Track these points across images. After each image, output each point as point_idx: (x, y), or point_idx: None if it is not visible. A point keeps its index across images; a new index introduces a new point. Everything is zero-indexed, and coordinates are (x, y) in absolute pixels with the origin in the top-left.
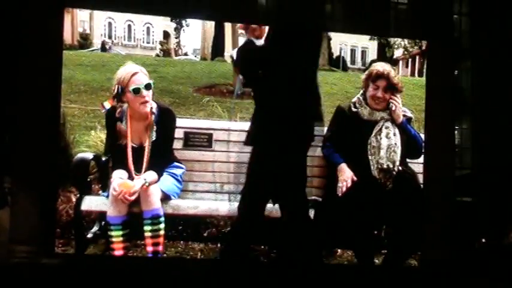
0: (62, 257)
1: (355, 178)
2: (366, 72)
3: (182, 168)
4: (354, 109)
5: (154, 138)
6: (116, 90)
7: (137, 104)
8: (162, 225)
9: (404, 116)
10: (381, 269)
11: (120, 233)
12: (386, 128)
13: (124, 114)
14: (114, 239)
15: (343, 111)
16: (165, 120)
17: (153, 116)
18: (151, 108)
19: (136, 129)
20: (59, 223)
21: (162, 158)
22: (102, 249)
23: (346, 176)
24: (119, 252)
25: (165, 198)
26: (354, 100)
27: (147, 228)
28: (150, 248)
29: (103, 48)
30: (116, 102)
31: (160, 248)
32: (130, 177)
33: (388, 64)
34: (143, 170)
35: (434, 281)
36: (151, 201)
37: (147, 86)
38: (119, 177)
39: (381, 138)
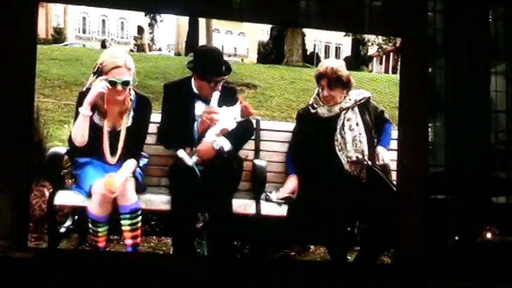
0: (35, 251)
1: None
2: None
3: (146, 158)
4: (312, 110)
5: (129, 124)
6: (95, 69)
7: (112, 92)
8: (139, 218)
9: (362, 99)
10: (353, 265)
11: (106, 227)
12: (348, 120)
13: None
14: (100, 234)
15: (303, 116)
16: (141, 107)
17: (131, 102)
18: (130, 95)
19: (111, 113)
20: (32, 217)
21: (137, 145)
22: (75, 243)
23: (287, 186)
24: (102, 245)
25: (138, 189)
26: (310, 102)
27: (125, 222)
28: (129, 241)
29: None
30: (95, 78)
31: (138, 240)
32: (105, 163)
33: (335, 60)
34: (117, 154)
35: (407, 279)
36: (128, 196)
37: (125, 83)
38: (97, 177)
39: (345, 133)
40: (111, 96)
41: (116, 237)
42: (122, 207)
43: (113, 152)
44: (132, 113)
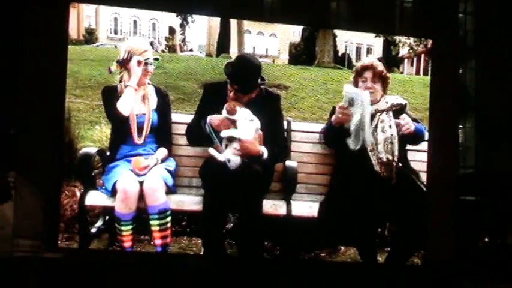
0: (66, 251)
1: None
2: (353, 71)
3: (174, 162)
4: (350, 107)
5: (153, 108)
6: (124, 56)
7: (142, 74)
8: (169, 219)
9: (398, 105)
10: (384, 266)
11: (130, 227)
12: (382, 121)
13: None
14: (124, 233)
15: None
16: (160, 95)
17: (149, 86)
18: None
19: (136, 98)
20: (63, 218)
21: (163, 131)
22: (106, 243)
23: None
24: (127, 244)
25: (168, 191)
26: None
27: (154, 222)
28: (158, 241)
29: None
30: (120, 67)
31: (168, 240)
32: (133, 144)
33: (372, 57)
34: (143, 135)
35: (437, 280)
36: (156, 197)
37: (156, 60)
38: (123, 175)
39: (377, 134)
40: (141, 81)
41: (146, 237)
42: (150, 208)
43: (140, 134)
44: (154, 98)
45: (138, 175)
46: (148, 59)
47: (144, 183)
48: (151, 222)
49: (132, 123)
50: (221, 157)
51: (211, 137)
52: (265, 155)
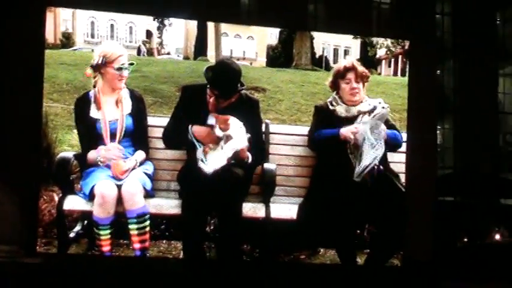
0: (44, 256)
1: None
2: (332, 73)
3: (152, 166)
4: (331, 107)
5: (127, 112)
6: (97, 61)
7: (116, 79)
8: (147, 223)
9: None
10: (363, 268)
11: (108, 231)
12: (364, 123)
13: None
14: (102, 238)
15: (321, 109)
16: (135, 99)
17: (123, 90)
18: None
19: (108, 104)
20: (41, 222)
21: (138, 135)
22: (85, 248)
23: (349, 129)
24: (106, 249)
25: (146, 194)
26: (329, 100)
27: (133, 226)
28: (137, 245)
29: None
30: (93, 71)
31: (147, 244)
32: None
33: (351, 57)
34: (117, 139)
35: (417, 281)
36: (135, 201)
37: (131, 65)
38: (101, 179)
39: None
40: (110, 86)
41: (125, 241)
42: (129, 212)
43: (112, 140)
44: (128, 102)
45: (119, 179)
46: (123, 64)
47: (122, 187)
48: (130, 226)
49: (104, 129)
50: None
51: (195, 144)
52: (250, 160)
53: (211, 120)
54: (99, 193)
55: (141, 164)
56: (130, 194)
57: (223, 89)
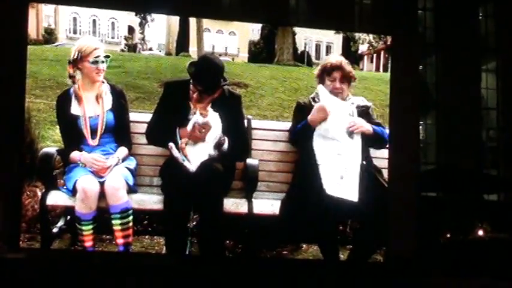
0: (28, 251)
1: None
2: (319, 67)
3: (134, 161)
4: (313, 103)
5: (108, 108)
6: (74, 56)
7: (93, 73)
8: (131, 218)
9: (363, 107)
10: (346, 264)
11: (90, 227)
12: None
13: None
14: (85, 233)
15: (303, 106)
16: (116, 94)
17: (103, 88)
18: (102, 81)
19: (89, 100)
20: (25, 218)
21: (120, 131)
22: (68, 243)
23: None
24: (89, 244)
25: (129, 190)
26: (312, 95)
27: (116, 222)
28: (120, 241)
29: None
30: (72, 67)
31: (130, 239)
32: (88, 145)
33: (340, 55)
34: (98, 135)
35: (400, 276)
36: (118, 196)
37: (104, 62)
38: (83, 175)
39: None
40: (88, 80)
41: (108, 237)
42: (112, 207)
43: (94, 136)
44: (109, 97)
45: (100, 177)
46: (98, 57)
47: (106, 183)
48: (113, 221)
49: (85, 125)
50: (180, 157)
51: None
52: (226, 142)
53: (193, 115)
54: (81, 188)
55: (124, 160)
56: (114, 189)
57: (206, 84)
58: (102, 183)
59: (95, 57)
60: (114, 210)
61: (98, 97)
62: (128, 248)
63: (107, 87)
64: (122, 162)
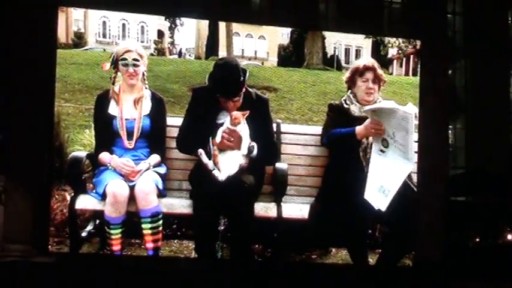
0: (56, 255)
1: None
2: (350, 70)
3: (164, 168)
4: (345, 105)
5: (146, 113)
6: (112, 58)
7: (125, 75)
8: (161, 222)
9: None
10: (375, 268)
11: (119, 231)
12: None
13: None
14: (113, 237)
15: (335, 108)
16: (155, 101)
17: (144, 93)
18: (144, 85)
19: (127, 102)
20: (53, 222)
21: (155, 137)
22: (97, 248)
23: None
24: (117, 248)
25: (159, 194)
26: (344, 98)
27: (146, 226)
28: (150, 245)
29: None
30: (112, 67)
31: (160, 243)
32: (124, 148)
33: (369, 57)
34: (134, 139)
35: (429, 281)
36: (149, 200)
37: (135, 64)
38: (113, 178)
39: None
40: (125, 83)
41: (137, 241)
42: (142, 211)
43: (130, 138)
44: (148, 103)
45: (130, 181)
46: (126, 59)
47: (136, 187)
48: (143, 225)
49: (121, 126)
50: (211, 165)
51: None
52: (255, 148)
53: (223, 119)
54: (110, 192)
55: (155, 166)
56: (144, 194)
57: (225, 92)
58: (132, 188)
59: (122, 59)
60: (145, 214)
61: (137, 101)
62: (157, 252)
63: (148, 93)
64: (153, 168)
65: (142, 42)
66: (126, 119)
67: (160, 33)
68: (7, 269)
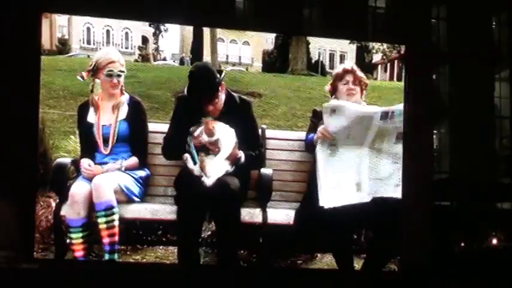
0: (41, 262)
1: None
2: (332, 77)
3: (145, 171)
4: None
5: (122, 118)
6: (91, 67)
7: (107, 85)
8: (116, 216)
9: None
10: (360, 273)
11: (80, 235)
12: None
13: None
14: (74, 241)
15: (319, 114)
16: (133, 106)
17: (123, 98)
18: (122, 91)
19: (105, 109)
20: (39, 228)
21: (133, 142)
22: (82, 254)
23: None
24: (79, 254)
25: (124, 197)
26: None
27: (101, 220)
28: (106, 240)
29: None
30: (91, 76)
31: (116, 238)
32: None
33: (351, 62)
34: (110, 145)
35: (414, 286)
36: (102, 193)
37: (119, 75)
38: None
39: None
40: (105, 92)
41: (122, 247)
42: (96, 205)
43: (106, 144)
44: (125, 108)
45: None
46: (112, 70)
47: (92, 181)
48: (99, 220)
49: (97, 133)
50: (197, 171)
51: (192, 155)
52: (243, 158)
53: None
54: (70, 193)
55: (131, 169)
56: (97, 186)
57: (199, 98)
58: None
59: (109, 71)
60: (99, 208)
61: (115, 107)
62: (114, 247)
63: (126, 97)
64: (127, 170)
65: (126, 48)
66: (103, 125)
67: (145, 39)
68: None
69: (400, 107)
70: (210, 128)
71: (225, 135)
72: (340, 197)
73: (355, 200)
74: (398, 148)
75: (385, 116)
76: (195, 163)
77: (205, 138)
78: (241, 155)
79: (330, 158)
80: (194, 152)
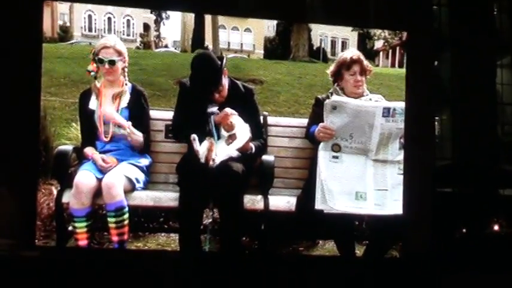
0: (43, 249)
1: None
2: (335, 63)
3: (148, 159)
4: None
5: (124, 106)
6: (92, 54)
7: (103, 71)
8: (126, 216)
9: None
10: (362, 259)
11: (84, 224)
12: None
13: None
14: (78, 230)
15: (321, 102)
16: (135, 95)
17: (126, 87)
18: (125, 80)
19: (106, 96)
20: (40, 216)
21: (139, 127)
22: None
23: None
24: (83, 243)
25: (130, 187)
26: (331, 91)
27: (111, 220)
28: (115, 238)
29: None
30: (95, 64)
31: (125, 237)
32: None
33: (354, 49)
34: (110, 132)
35: (416, 272)
36: (113, 194)
37: (111, 62)
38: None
39: None
40: (105, 79)
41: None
42: (107, 205)
43: (106, 132)
44: (127, 97)
45: (104, 172)
46: (102, 57)
47: (103, 180)
48: (109, 219)
49: (99, 120)
50: (202, 153)
51: (211, 132)
52: (253, 151)
53: (211, 108)
54: (75, 183)
55: (136, 137)
56: (108, 187)
57: (203, 89)
58: (100, 180)
59: (99, 58)
60: (109, 208)
61: (116, 96)
62: (123, 246)
63: (129, 87)
64: (130, 132)
65: (128, 35)
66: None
67: (146, 27)
68: None
69: (400, 104)
70: (229, 123)
71: (242, 129)
72: (340, 204)
73: (358, 210)
74: (402, 156)
75: (387, 112)
76: (219, 138)
77: (224, 133)
78: (252, 149)
79: (333, 165)
80: (214, 130)
